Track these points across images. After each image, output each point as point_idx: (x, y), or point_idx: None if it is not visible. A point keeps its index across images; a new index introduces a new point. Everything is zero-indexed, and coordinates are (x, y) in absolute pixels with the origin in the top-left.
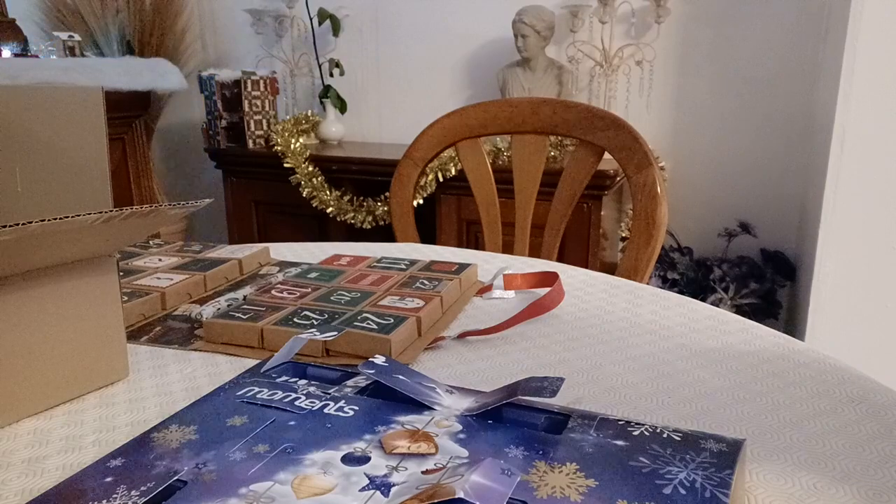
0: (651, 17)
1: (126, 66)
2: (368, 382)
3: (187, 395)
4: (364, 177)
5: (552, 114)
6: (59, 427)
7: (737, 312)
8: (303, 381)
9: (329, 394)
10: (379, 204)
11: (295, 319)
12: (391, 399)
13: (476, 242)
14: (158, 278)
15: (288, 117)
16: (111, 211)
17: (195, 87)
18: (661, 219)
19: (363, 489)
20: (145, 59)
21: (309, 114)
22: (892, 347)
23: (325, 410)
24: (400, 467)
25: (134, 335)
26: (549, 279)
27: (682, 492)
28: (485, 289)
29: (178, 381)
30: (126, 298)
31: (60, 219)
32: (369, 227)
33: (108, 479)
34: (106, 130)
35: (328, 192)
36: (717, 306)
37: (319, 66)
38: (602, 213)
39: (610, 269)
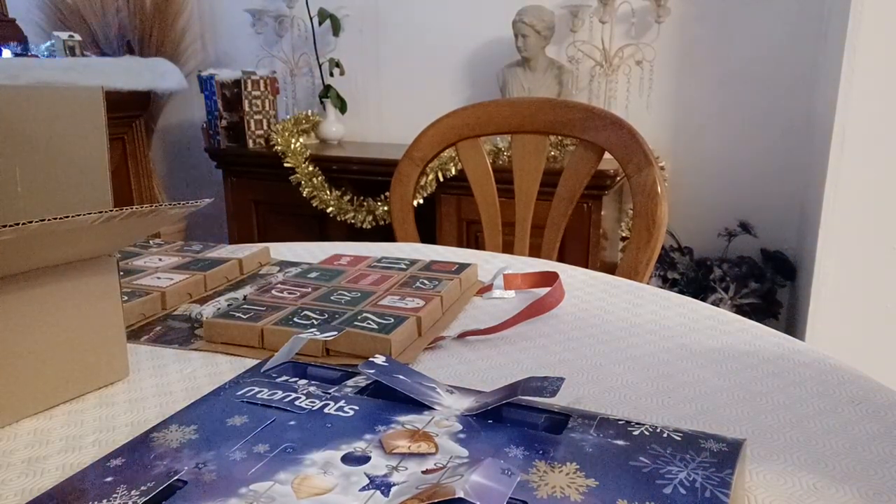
0: (651, 17)
1: (126, 66)
2: (368, 382)
3: (187, 395)
4: (364, 177)
5: (552, 114)
6: (59, 427)
7: (737, 312)
8: (303, 381)
9: (329, 394)
10: (379, 204)
11: (295, 319)
12: (391, 399)
13: (476, 242)
14: (158, 278)
15: (288, 117)
16: (111, 211)
17: (195, 87)
18: (661, 219)
19: (363, 489)
20: (145, 59)
21: (309, 114)
22: (892, 347)
23: (326, 410)
24: (400, 467)
25: (134, 335)
26: (549, 279)
27: (683, 492)
28: (485, 289)
29: (178, 381)
30: (126, 298)
31: (60, 219)
32: (369, 227)
33: (108, 479)
34: (106, 130)
35: (328, 192)
36: (717, 306)
37: (319, 66)
38: (602, 213)
39: (610, 269)
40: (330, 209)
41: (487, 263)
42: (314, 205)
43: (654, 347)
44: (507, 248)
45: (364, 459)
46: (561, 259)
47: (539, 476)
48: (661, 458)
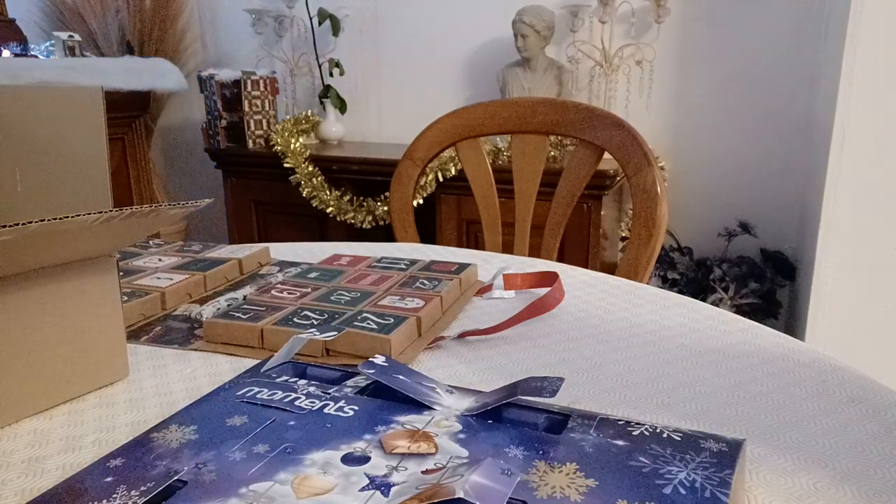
0: (651, 17)
1: (126, 66)
2: (368, 382)
3: (187, 395)
4: (364, 177)
5: (552, 114)
6: (59, 427)
7: (737, 312)
8: (303, 381)
9: (329, 394)
10: (379, 204)
11: (295, 319)
12: (391, 399)
13: (476, 242)
14: (158, 278)
15: (288, 117)
16: (111, 211)
17: (195, 87)
18: (661, 219)
19: (363, 489)
20: (145, 59)
21: (309, 114)
22: (892, 347)
23: (325, 410)
24: (400, 467)
25: (134, 335)
26: (549, 279)
27: (682, 492)
28: (485, 289)
29: (178, 381)
30: (126, 298)
31: (60, 219)
32: (369, 227)
33: (108, 479)
34: (106, 130)
35: (328, 192)
36: (717, 306)
37: (319, 66)
38: (602, 213)
39: (610, 269)
40: (330, 209)
41: (487, 263)
42: (314, 205)
43: (654, 347)
44: (507, 248)
45: (364, 459)
46: (561, 259)
47: (539, 476)
48: (661, 458)
